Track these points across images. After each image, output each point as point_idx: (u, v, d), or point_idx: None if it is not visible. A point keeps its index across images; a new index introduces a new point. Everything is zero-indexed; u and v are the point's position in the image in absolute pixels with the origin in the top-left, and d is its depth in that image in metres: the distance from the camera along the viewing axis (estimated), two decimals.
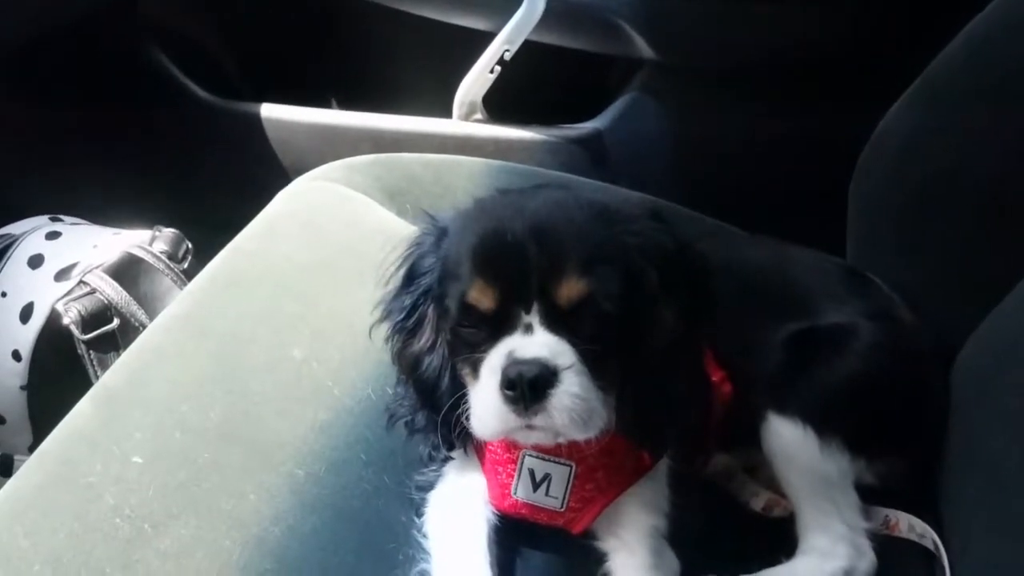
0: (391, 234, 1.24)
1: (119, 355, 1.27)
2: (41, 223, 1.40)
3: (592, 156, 1.64)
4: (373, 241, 1.22)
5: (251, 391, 0.99)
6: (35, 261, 1.31)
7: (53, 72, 1.74)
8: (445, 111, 1.67)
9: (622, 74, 1.66)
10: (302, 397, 1.00)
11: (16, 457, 1.31)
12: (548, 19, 1.52)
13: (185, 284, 1.36)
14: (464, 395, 0.80)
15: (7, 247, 1.33)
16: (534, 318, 0.75)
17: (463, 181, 1.39)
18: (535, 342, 0.74)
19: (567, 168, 1.57)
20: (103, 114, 1.80)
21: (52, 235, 1.36)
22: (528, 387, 0.73)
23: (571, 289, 0.75)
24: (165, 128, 1.82)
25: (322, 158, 1.45)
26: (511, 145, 1.63)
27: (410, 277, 0.84)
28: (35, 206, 1.51)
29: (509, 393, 0.74)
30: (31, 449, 1.31)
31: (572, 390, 0.74)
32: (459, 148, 1.58)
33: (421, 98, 1.73)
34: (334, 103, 1.86)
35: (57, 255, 1.32)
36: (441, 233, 0.83)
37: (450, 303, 0.78)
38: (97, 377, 1.26)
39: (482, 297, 0.76)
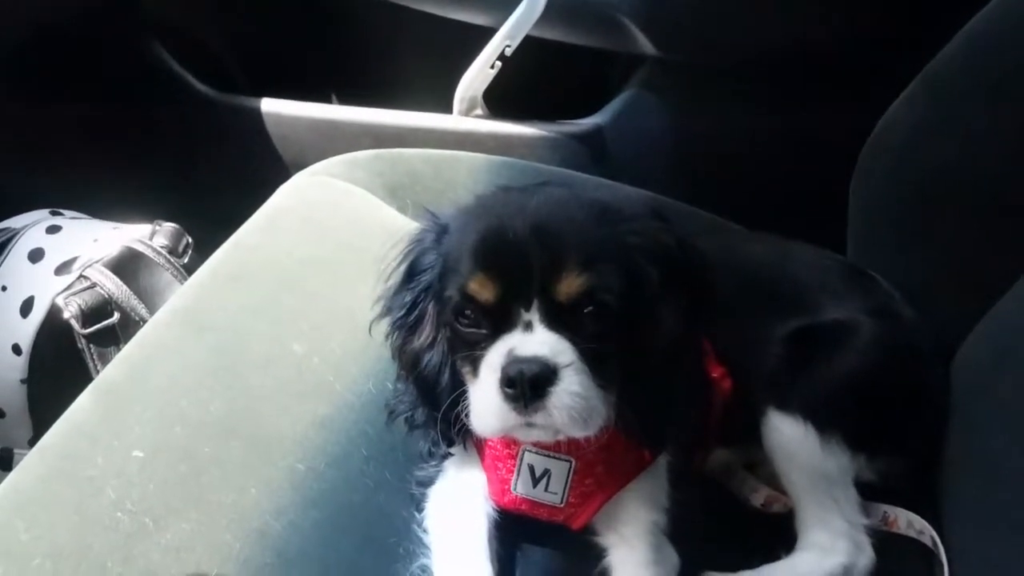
0: (392, 229, 1.24)
1: (119, 349, 1.27)
2: (41, 217, 1.40)
3: (593, 152, 1.63)
4: (374, 236, 1.23)
5: (252, 385, 0.99)
6: (35, 255, 1.31)
7: (54, 67, 1.74)
8: (445, 107, 1.67)
9: (623, 70, 1.66)
10: (303, 392, 1.00)
11: (16, 451, 1.31)
12: (549, 15, 1.52)
13: (185, 279, 1.36)
14: (464, 392, 0.80)
15: (7, 241, 1.33)
16: (534, 316, 0.75)
17: (464, 177, 1.39)
18: (535, 340, 0.74)
19: (568, 164, 1.57)
20: (103, 109, 1.79)
21: (52, 229, 1.35)
22: (528, 385, 0.73)
23: (571, 287, 0.75)
24: (165, 123, 1.82)
25: (322, 153, 1.45)
26: (511, 141, 1.63)
27: (411, 274, 0.84)
28: (35, 200, 1.51)
29: (509, 391, 0.74)
30: (31, 443, 1.30)
31: (572, 388, 0.74)
32: (459, 144, 1.57)
33: (421, 93, 1.72)
34: (334, 98, 1.86)
35: (57, 249, 1.32)
36: (442, 230, 0.83)
37: (450, 297, 0.78)
38: (97, 371, 1.26)
39: (482, 290, 0.76)
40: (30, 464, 0.90)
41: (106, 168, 1.72)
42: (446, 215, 0.85)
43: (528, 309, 0.75)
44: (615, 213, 0.81)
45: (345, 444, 0.95)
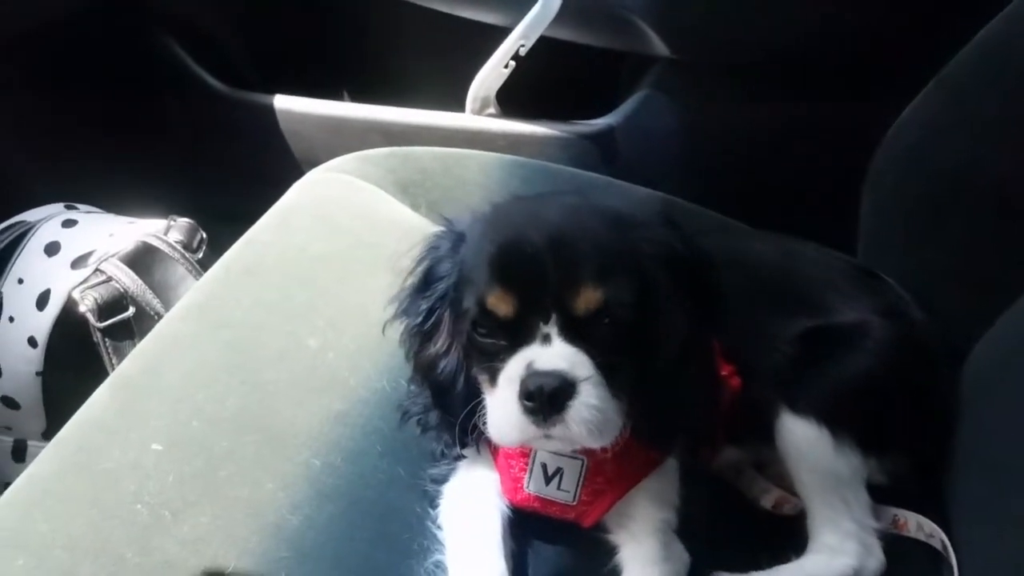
0: (405, 227, 1.27)
1: (134, 343, 1.28)
2: (57, 211, 1.41)
3: (604, 152, 1.64)
4: (387, 233, 1.24)
5: (266, 380, 1.00)
6: (51, 248, 1.32)
7: (68, 61, 1.75)
8: (457, 105, 1.68)
9: (635, 71, 1.66)
10: (318, 387, 1.01)
11: (30, 442, 1.32)
12: (563, 15, 1.52)
13: (200, 273, 1.37)
14: (479, 399, 0.81)
15: (23, 234, 1.34)
16: (552, 328, 0.76)
17: (476, 175, 1.40)
18: (553, 353, 0.75)
19: (579, 164, 1.57)
20: (117, 104, 1.81)
21: (68, 223, 1.36)
22: (547, 399, 0.74)
23: (588, 301, 0.76)
24: (178, 118, 1.83)
25: (334, 150, 1.46)
26: (523, 140, 1.63)
27: (427, 281, 0.85)
28: (48, 194, 1.52)
29: (528, 404, 0.75)
30: (45, 435, 1.32)
31: (590, 402, 0.75)
32: (471, 142, 1.58)
33: (433, 91, 1.73)
34: (346, 95, 1.86)
35: (73, 243, 1.33)
36: (458, 238, 0.84)
37: (468, 309, 0.79)
38: (112, 365, 1.27)
39: (500, 304, 0.77)
40: (48, 457, 0.91)
41: (119, 163, 1.72)
42: (462, 222, 0.85)
43: (546, 322, 0.76)
44: (628, 222, 0.82)
45: (360, 440, 0.96)
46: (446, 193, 1.36)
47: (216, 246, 1.46)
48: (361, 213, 1.28)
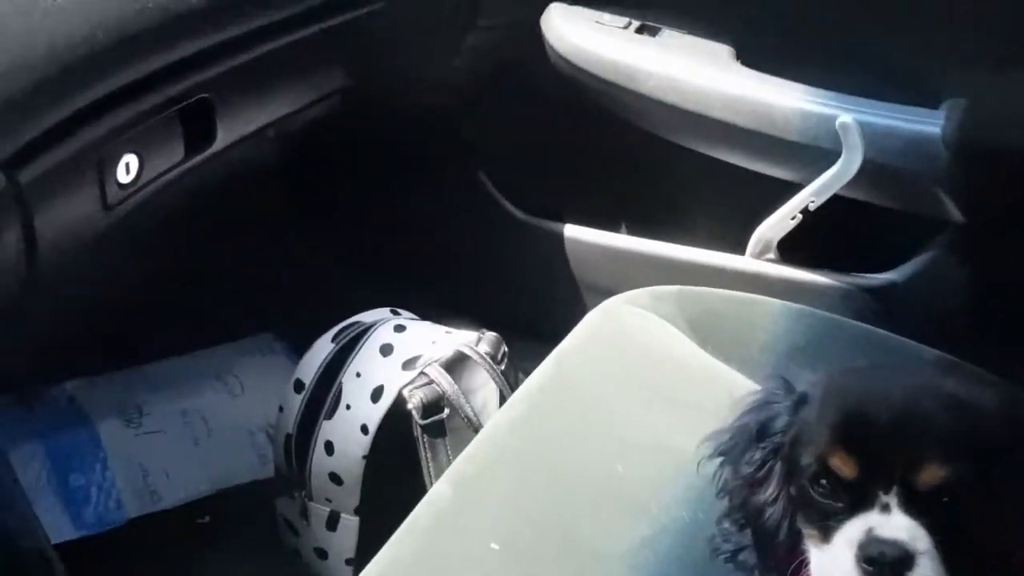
0: (698, 366, 1.36)
1: (445, 442, 1.45)
2: (385, 316, 1.63)
3: (885, 308, 1.65)
4: (684, 370, 1.34)
5: (582, 497, 1.11)
6: (386, 350, 1.53)
7: (389, 179, 2.02)
8: (731, 243, 1.75)
9: (925, 231, 1.68)
10: (626, 510, 1.10)
11: (342, 515, 1.51)
12: (858, 176, 1.57)
13: (503, 383, 1.53)
14: (800, 547, 0.87)
15: (361, 334, 1.56)
16: (891, 499, 0.80)
17: (762, 320, 1.47)
18: (894, 524, 0.79)
19: (857, 316, 1.59)
20: (422, 224, 2.05)
21: (399, 328, 1.57)
22: (888, 567, 0.78)
23: (932, 477, 0.80)
24: (475, 237, 2.04)
25: (615, 279, 1.58)
26: (803, 287, 1.68)
27: (762, 433, 0.92)
28: (369, 298, 1.75)
29: (868, 568, 0.79)
30: (356, 511, 1.50)
31: (927, 575, 0.78)
32: (750, 284, 1.65)
33: (710, 229, 1.83)
34: (623, 227, 2.00)
35: (404, 346, 1.53)
36: (800, 399, 0.91)
37: (808, 465, 0.85)
38: (428, 459, 1.44)
39: (844, 466, 0.82)
40: (400, 545, 1.05)
41: (426, 277, 1.96)
42: (800, 382, 0.93)
43: (887, 492, 0.80)
44: (969, 406, 0.85)
45: (663, 565, 1.04)
46: (732, 336, 1.44)
47: (512, 358, 1.63)
48: (657, 347, 1.39)
